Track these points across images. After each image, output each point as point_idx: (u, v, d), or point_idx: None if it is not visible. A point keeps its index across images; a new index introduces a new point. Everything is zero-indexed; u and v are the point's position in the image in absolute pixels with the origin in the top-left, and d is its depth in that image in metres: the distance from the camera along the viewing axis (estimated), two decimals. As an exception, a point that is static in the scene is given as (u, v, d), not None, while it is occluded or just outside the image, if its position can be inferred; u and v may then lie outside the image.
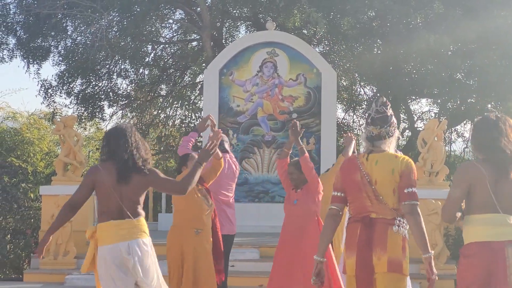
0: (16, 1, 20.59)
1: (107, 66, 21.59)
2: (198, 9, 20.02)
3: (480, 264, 5.65)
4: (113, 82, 22.16)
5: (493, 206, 5.68)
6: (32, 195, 15.76)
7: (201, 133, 10.47)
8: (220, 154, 8.50)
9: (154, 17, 20.93)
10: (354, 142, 9.34)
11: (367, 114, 6.39)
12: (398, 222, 6.01)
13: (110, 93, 22.01)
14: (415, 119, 23.41)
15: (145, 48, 22.06)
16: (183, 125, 23.70)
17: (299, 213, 8.50)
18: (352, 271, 6.02)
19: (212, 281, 8.59)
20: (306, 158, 8.44)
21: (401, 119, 22.94)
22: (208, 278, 8.52)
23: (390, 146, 6.20)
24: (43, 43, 20.82)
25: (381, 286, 5.96)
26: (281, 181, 8.99)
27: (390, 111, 6.27)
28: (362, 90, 24.04)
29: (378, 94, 21.73)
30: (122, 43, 20.18)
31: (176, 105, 23.89)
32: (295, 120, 10.32)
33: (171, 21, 22.52)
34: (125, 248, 6.45)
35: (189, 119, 23.73)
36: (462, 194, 5.77)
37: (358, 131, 25.49)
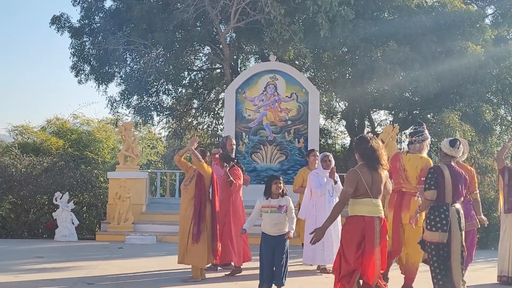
0: (90, 40, 20.65)
1: (155, 86, 21.58)
2: (221, 46, 20.05)
3: (358, 229, 6.19)
4: (159, 98, 22.15)
5: (368, 194, 6.20)
6: (101, 179, 15.81)
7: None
8: (199, 157, 8.73)
9: (189, 52, 20.94)
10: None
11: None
12: (418, 194, 7.61)
13: (158, 106, 22.00)
14: (375, 125, 23.40)
15: (182, 74, 22.04)
16: (210, 129, 23.75)
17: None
18: (390, 221, 7.63)
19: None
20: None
21: (366, 125, 22.90)
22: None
23: (422, 151, 7.80)
24: (109, 70, 20.81)
25: (407, 231, 7.74)
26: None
27: (421, 129, 7.87)
28: (337, 104, 24.01)
29: (349, 108, 21.74)
30: (166, 70, 20.17)
31: (205, 115, 23.97)
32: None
33: (201, 54, 22.54)
34: None
35: (214, 125, 23.79)
36: (352, 190, 6.23)
37: (334, 134, 25.51)
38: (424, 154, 7.77)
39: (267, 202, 7.68)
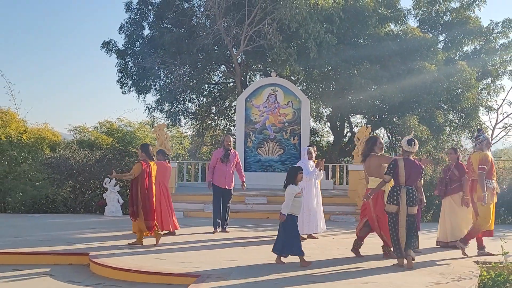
0: (132, 60, 20.64)
1: (182, 96, 21.58)
2: (233, 65, 20.04)
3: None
4: (186, 105, 22.14)
5: (368, 175, 7.69)
6: (141, 168, 15.74)
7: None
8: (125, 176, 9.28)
9: (208, 69, 20.96)
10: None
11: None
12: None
13: (184, 111, 22.00)
14: (353, 127, 23.32)
15: (203, 86, 22.03)
16: (225, 129, 23.70)
17: None
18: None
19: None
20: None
21: (346, 126, 22.84)
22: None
23: (483, 149, 8.07)
24: (147, 83, 20.82)
25: (476, 206, 8.04)
26: None
27: (477, 134, 8.22)
28: (323, 110, 23.94)
29: (334, 113, 21.65)
30: (191, 83, 20.20)
31: (221, 118, 23.94)
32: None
33: (218, 71, 22.53)
34: None
35: (228, 126, 23.75)
36: (364, 173, 7.96)
37: (321, 133, 25.42)
38: (485, 151, 8.07)
39: (299, 189, 7.06)
